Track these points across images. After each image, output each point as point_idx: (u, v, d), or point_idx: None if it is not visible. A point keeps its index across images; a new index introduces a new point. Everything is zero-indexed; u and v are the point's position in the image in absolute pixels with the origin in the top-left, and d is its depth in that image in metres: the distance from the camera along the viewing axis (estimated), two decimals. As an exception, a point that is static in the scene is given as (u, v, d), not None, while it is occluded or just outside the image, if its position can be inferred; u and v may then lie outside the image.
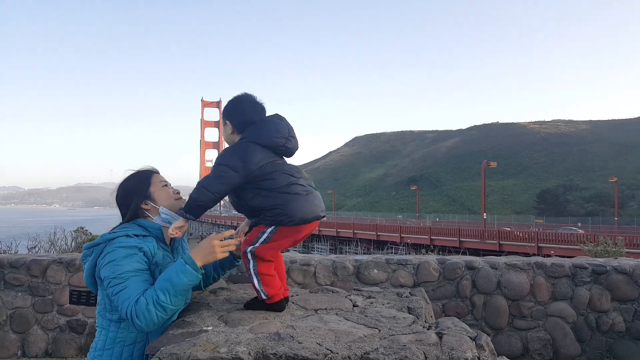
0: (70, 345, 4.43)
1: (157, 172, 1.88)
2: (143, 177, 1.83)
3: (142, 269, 1.62)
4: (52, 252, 5.91)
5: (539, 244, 27.93)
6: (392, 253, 33.18)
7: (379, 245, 38.42)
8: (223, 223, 70.19)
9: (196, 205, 1.67)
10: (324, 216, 1.74)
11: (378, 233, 39.26)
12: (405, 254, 32.16)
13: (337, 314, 1.62)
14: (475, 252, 28.73)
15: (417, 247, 33.04)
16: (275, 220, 1.65)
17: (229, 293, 1.93)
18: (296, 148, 1.84)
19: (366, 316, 1.58)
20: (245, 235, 1.75)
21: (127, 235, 1.67)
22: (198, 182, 1.71)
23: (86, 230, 6.57)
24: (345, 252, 39.77)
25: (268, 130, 1.78)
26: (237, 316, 1.58)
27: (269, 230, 1.66)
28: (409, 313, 1.67)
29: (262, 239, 1.66)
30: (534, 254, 26.55)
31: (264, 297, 1.62)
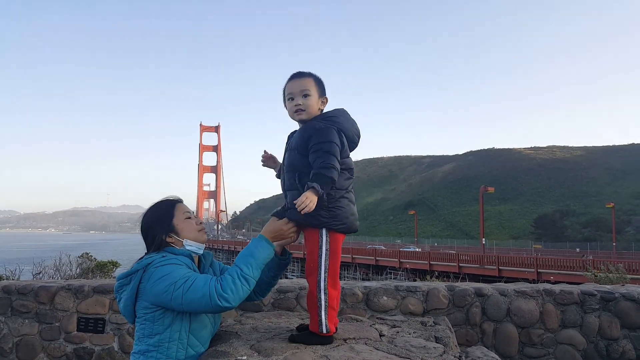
0: (75, 374, 4.36)
1: (181, 202, 1.92)
2: (165, 209, 1.86)
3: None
4: (57, 278, 5.86)
5: (539, 270, 27.82)
6: (391, 278, 32.95)
7: (378, 270, 38.14)
8: (221, 247, 69.64)
9: (328, 180, 1.60)
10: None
11: (377, 258, 39.03)
12: (405, 279, 31.94)
13: (366, 344, 1.64)
14: (475, 277, 28.54)
15: (415, 273, 32.83)
16: (325, 222, 1.62)
17: (254, 322, 1.96)
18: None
19: (395, 346, 1.60)
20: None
21: (163, 256, 1.72)
22: (316, 167, 1.62)
23: (91, 255, 6.55)
24: (344, 277, 39.38)
25: (352, 123, 1.77)
26: (269, 345, 1.60)
27: (324, 238, 1.63)
28: (437, 342, 1.70)
29: (324, 252, 1.62)
30: (534, 280, 26.46)
31: (324, 331, 1.59)
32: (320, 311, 1.59)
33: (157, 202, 1.91)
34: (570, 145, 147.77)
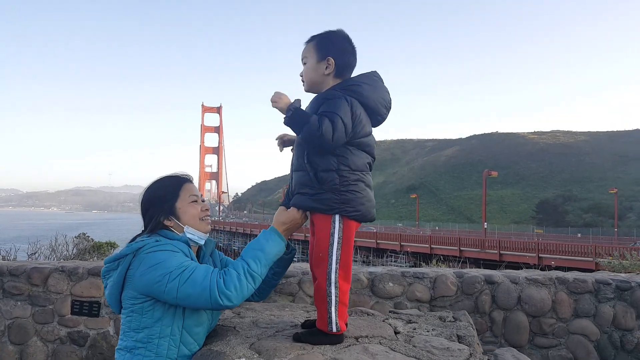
0: (70, 358, 4.23)
1: (189, 181, 1.68)
2: (171, 187, 1.63)
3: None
4: (52, 258, 5.71)
5: (540, 254, 27.80)
6: (392, 262, 32.98)
7: (379, 253, 38.19)
8: (222, 229, 69.82)
9: (299, 120, 1.40)
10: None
11: (378, 241, 39.06)
12: (405, 262, 31.99)
13: (380, 343, 1.46)
14: (476, 261, 28.55)
15: (417, 256, 32.88)
16: (337, 207, 1.41)
17: (254, 314, 1.76)
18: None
19: (414, 346, 1.41)
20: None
21: (157, 240, 1.51)
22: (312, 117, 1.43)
23: (87, 236, 6.39)
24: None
25: (375, 90, 1.50)
26: (271, 345, 1.41)
27: (337, 225, 1.41)
28: (460, 342, 1.51)
29: (335, 241, 1.41)
30: (535, 265, 26.47)
31: (334, 330, 1.40)
32: (330, 307, 1.40)
33: (163, 177, 1.66)
34: (574, 130, 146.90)
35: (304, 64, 1.60)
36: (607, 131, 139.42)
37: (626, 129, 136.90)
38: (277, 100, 1.48)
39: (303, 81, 1.61)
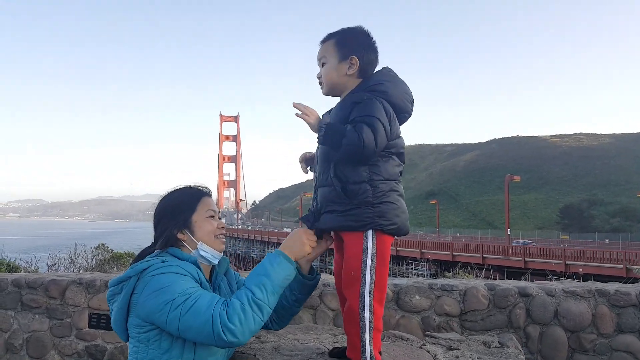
0: (88, 372, 4.14)
1: (208, 195, 1.54)
2: (188, 199, 1.50)
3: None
4: (72, 270, 5.68)
5: (567, 261, 26.98)
6: (412, 269, 32.46)
7: (398, 260, 37.69)
8: (240, 237, 70.17)
9: (335, 136, 1.26)
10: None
11: (397, 248, 38.56)
12: (427, 270, 31.43)
13: (421, 375, 1.27)
14: (500, 269, 27.88)
15: (438, 264, 32.31)
16: (370, 221, 1.26)
17: (276, 339, 1.60)
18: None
19: (461, 379, 1.22)
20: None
21: (163, 261, 1.37)
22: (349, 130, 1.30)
23: (107, 246, 6.35)
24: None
25: (397, 85, 1.37)
26: (297, 376, 1.24)
27: (370, 240, 1.25)
28: (512, 374, 1.31)
29: (369, 258, 1.25)
30: (562, 272, 25.66)
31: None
32: (364, 334, 1.23)
33: (179, 188, 1.54)
34: (598, 132, 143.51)
35: (322, 64, 1.46)
36: (632, 133, 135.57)
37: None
38: (308, 115, 1.34)
39: (321, 83, 1.47)
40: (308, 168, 1.55)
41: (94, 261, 6.10)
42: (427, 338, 1.66)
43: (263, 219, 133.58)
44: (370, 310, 1.24)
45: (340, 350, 1.37)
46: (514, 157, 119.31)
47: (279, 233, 59.18)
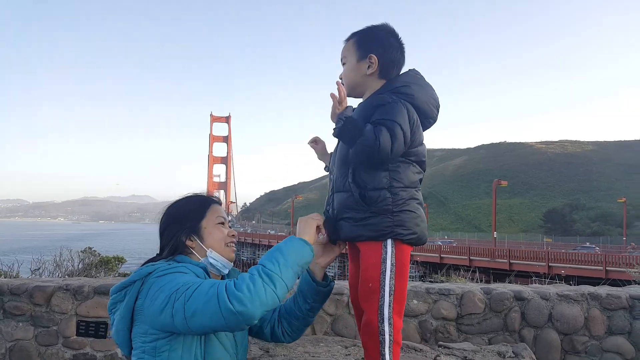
0: (75, 381, 4.00)
1: (218, 203, 1.47)
2: (198, 205, 1.43)
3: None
4: (57, 274, 5.50)
5: (550, 264, 27.44)
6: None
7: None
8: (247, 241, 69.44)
9: (352, 131, 1.20)
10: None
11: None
12: (416, 272, 31.51)
13: (438, 388, 1.21)
14: (485, 270, 28.15)
15: (426, 265, 32.51)
16: (389, 230, 1.20)
17: (286, 352, 1.53)
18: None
19: (480, 393, 1.17)
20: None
21: (169, 264, 1.29)
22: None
23: (94, 250, 6.17)
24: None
25: (423, 89, 1.31)
26: (310, 393, 1.17)
27: (389, 249, 1.20)
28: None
29: (388, 268, 1.19)
30: (545, 274, 26.00)
31: None
32: (384, 348, 1.18)
33: (187, 196, 1.47)
34: (582, 139, 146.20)
35: (343, 64, 1.41)
36: (615, 141, 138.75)
37: (635, 139, 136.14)
38: (342, 102, 1.27)
39: (343, 84, 1.41)
40: (323, 168, 1.50)
41: (80, 265, 5.92)
42: (440, 348, 1.61)
43: (254, 222, 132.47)
44: (390, 324, 1.18)
45: None
46: (501, 163, 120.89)
47: (269, 236, 59.08)
